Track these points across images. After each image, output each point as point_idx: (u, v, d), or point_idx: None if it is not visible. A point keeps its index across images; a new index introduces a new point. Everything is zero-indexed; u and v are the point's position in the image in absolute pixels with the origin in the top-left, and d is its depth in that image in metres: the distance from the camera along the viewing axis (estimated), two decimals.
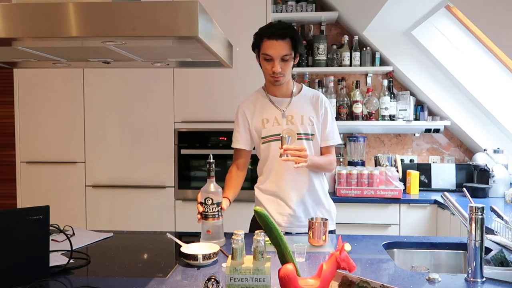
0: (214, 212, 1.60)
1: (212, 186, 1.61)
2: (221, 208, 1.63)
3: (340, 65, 3.28)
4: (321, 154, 1.93)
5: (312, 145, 1.88)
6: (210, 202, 1.59)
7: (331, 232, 1.92)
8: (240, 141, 1.92)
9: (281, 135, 1.66)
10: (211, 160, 1.63)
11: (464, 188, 1.74)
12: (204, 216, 1.60)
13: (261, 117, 1.87)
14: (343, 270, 1.16)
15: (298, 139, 1.84)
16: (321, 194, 1.91)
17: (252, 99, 1.94)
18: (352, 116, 3.25)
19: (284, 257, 1.18)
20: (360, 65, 3.26)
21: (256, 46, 1.82)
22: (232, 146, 1.95)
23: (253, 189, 1.99)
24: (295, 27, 3.30)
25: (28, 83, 3.09)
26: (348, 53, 3.25)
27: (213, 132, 3.00)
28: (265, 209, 1.91)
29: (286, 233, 1.88)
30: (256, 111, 1.89)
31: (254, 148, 1.99)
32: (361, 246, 1.65)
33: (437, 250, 1.69)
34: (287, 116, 1.85)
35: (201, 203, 1.61)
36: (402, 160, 3.25)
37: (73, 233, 1.77)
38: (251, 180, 2.97)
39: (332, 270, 1.13)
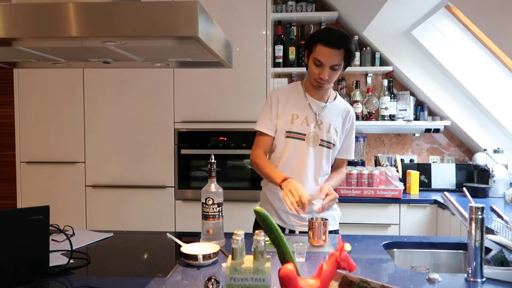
0: (214, 212, 1.60)
1: (213, 186, 1.62)
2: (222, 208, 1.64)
3: None
4: (335, 164, 1.97)
5: (331, 153, 1.90)
6: (210, 202, 1.59)
7: (335, 232, 1.93)
8: (269, 127, 1.88)
9: (309, 200, 1.62)
10: (213, 161, 1.63)
11: (464, 188, 1.74)
12: (205, 216, 1.61)
13: (292, 111, 1.86)
14: (343, 270, 1.15)
15: (319, 145, 1.86)
16: None
17: (287, 89, 1.93)
18: None
19: (284, 257, 1.18)
20: (360, 65, 3.26)
21: (309, 47, 1.81)
22: (259, 129, 1.89)
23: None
24: (293, 27, 3.33)
25: (28, 83, 3.09)
26: None
27: (213, 132, 3.00)
28: (270, 205, 1.91)
29: (291, 232, 1.88)
30: (289, 102, 1.88)
31: None
32: (361, 246, 1.65)
33: (437, 250, 1.69)
34: (317, 120, 1.86)
35: (202, 203, 1.62)
36: (402, 160, 3.25)
37: (73, 233, 1.77)
38: (251, 180, 2.97)
39: (332, 270, 1.13)
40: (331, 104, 1.90)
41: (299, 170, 1.85)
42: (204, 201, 1.60)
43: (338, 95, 1.97)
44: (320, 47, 1.74)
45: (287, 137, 1.86)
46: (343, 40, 1.75)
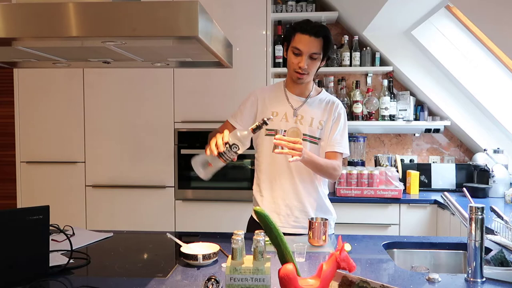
0: (228, 156, 1.53)
1: (246, 133, 1.53)
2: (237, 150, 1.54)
3: (340, 65, 3.28)
4: (326, 157, 1.87)
5: (317, 149, 1.84)
6: (236, 149, 1.51)
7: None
8: (237, 120, 1.86)
9: (275, 130, 1.59)
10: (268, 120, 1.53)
11: (464, 188, 1.74)
12: (220, 154, 1.54)
13: (272, 109, 1.86)
14: (343, 270, 1.15)
15: (303, 139, 1.80)
16: (322, 196, 1.88)
17: (269, 89, 1.95)
18: (352, 116, 3.25)
19: (284, 257, 1.18)
20: (360, 65, 3.26)
21: (287, 38, 1.81)
22: (228, 119, 1.88)
23: (252, 189, 1.98)
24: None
25: (28, 83, 3.09)
26: (348, 53, 3.25)
27: None
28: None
29: (284, 234, 1.87)
30: (270, 102, 1.88)
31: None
32: (361, 246, 1.65)
33: (437, 250, 1.69)
34: (297, 115, 1.84)
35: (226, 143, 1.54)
36: (402, 160, 3.25)
37: (73, 233, 1.77)
38: (250, 180, 2.97)
39: (332, 270, 1.13)
40: (312, 98, 1.88)
41: (283, 167, 1.82)
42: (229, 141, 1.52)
43: (323, 90, 1.94)
44: (299, 35, 1.75)
45: (267, 135, 1.84)
46: (321, 29, 1.76)
